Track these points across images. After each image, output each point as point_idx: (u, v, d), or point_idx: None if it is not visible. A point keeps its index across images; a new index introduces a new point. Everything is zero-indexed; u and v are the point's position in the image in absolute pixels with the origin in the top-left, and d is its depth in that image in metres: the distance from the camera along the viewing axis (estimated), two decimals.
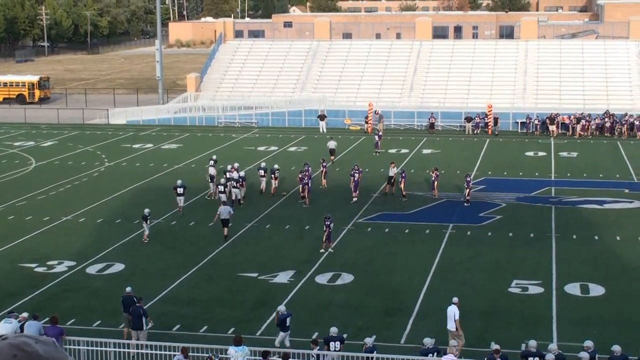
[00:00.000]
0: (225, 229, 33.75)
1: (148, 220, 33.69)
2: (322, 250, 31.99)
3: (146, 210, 33.87)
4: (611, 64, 70.80)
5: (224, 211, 33.78)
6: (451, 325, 22.90)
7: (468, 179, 40.07)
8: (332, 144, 51.71)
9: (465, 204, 39.34)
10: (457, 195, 41.79)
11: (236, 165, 42.71)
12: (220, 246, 33.27)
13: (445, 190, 42.62)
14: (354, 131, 63.06)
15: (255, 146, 57.13)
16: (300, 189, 40.20)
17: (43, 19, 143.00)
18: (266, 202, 40.52)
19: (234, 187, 39.56)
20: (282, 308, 23.28)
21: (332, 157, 50.74)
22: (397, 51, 75.63)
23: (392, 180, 41.53)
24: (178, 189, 38.51)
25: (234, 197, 39.26)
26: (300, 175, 40.55)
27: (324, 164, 44.30)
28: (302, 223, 36.68)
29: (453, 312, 22.88)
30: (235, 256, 32.26)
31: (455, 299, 23.45)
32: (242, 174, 41.05)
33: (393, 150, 54.65)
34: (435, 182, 41.08)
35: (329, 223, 32.20)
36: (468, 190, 39.67)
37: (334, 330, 21.49)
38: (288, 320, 22.97)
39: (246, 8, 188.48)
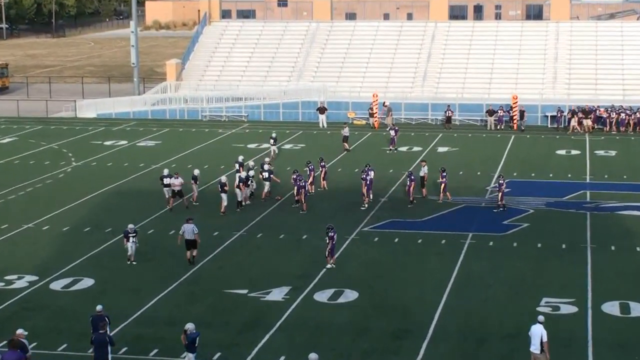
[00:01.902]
0: (194, 251, 32.32)
1: (130, 237, 32.39)
2: (329, 266, 31.86)
3: (130, 226, 32.88)
4: None
5: (188, 230, 32.28)
6: (536, 347, 22.81)
7: (501, 181, 40.10)
8: (346, 131, 54.56)
9: (502, 209, 39.56)
10: (476, 200, 41.80)
11: (265, 162, 43.77)
12: (205, 258, 33.23)
13: (464, 195, 42.61)
14: (358, 126, 63.03)
15: (245, 143, 57.10)
16: (295, 192, 40.21)
17: None
18: (257, 207, 40.50)
19: (236, 186, 39.81)
20: (190, 326, 23.05)
21: (346, 144, 53.88)
22: (409, 34, 75.65)
23: (424, 181, 42.11)
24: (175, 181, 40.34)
25: (239, 198, 39.91)
26: (294, 176, 40.52)
27: (323, 163, 44.41)
28: (298, 232, 36.65)
29: (540, 332, 22.82)
30: (222, 270, 32.23)
31: (541, 318, 23.31)
32: (251, 173, 41.71)
33: (404, 148, 54.66)
34: (442, 185, 41.13)
35: (332, 234, 32.09)
36: (500, 194, 39.73)
37: (313, 357, 21.31)
38: (197, 340, 22.94)
39: None
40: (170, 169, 42.79)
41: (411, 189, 40.98)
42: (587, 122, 60.29)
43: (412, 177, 41.18)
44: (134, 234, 32.65)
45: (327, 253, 32.12)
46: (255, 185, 41.93)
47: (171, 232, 36.57)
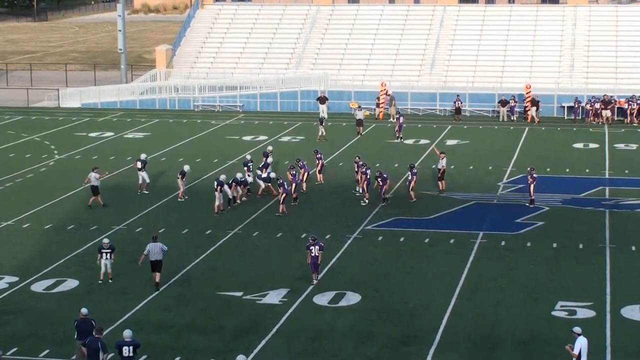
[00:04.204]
0: (157, 274, 30.13)
1: (103, 254, 30.65)
2: (315, 282, 30.94)
3: (105, 241, 31.47)
4: None
5: (154, 250, 30.12)
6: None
7: (534, 175, 40.03)
8: (360, 114, 57.04)
9: (531, 205, 39.85)
10: (488, 197, 41.84)
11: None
12: (197, 258, 33.28)
13: (474, 191, 42.66)
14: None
15: (240, 135, 57.13)
16: (293, 188, 40.25)
17: None
18: (253, 204, 40.53)
19: (228, 184, 39.75)
20: (127, 333, 22.79)
21: (360, 129, 56.47)
22: (415, 18, 75.60)
23: (442, 175, 42.45)
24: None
25: (229, 196, 39.88)
26: (292, 172, 40.67)
27: (319, 155, 44.44)
28: (297, 230, 36.69)
29: (586, 344, 22.68)
30: (215, 271, 32.27)
31: (578, 329, 22.97)
32: (249, 179, 41.95)
33: (410, 141, 54.70)
34: (410, 183, 40.79)
35: (322, 244, 30.95)
36: (532, 187, 39.86)
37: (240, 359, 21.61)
38: (127, 350, 22.51)
39: None
40: (159, 164, 42.91)
41: (413, 184, 40.83)
42: (607, 113, 60.36)
43: (416, 173, 41.01)
44: (109, 250, 30.78)
45: (310, 267, 30.80)
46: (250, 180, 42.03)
47: (161, 230, 36.62)
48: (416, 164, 44.19)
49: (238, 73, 71.22)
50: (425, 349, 25.66)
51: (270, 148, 45.63)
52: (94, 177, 40.14)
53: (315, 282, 30.61)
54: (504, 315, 27.95)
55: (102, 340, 23.04)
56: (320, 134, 55.03)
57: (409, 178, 40.96)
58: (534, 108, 61.18)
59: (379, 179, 40.31)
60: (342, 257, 33.49)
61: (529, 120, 61.02)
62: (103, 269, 30.87)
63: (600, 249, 34.31)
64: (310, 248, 30.55)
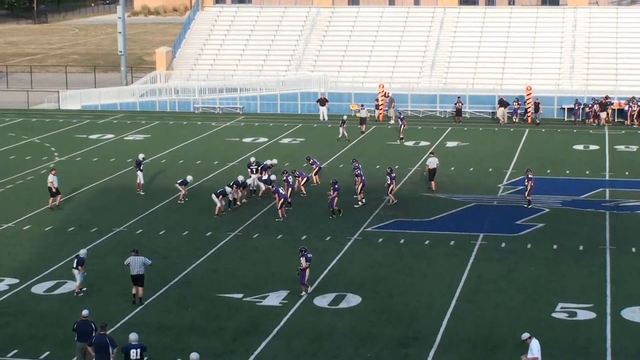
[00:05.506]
0: (140, 288, 29.09)
1: (81, 267, 29.71)
2: (303, 294, 30.23)
3: (82, 251, 30.44)
4: None
5: (135, 263, 29.03)
6: None
7: (530, 175, 40.06)
8: (363, 113, 58.78)
9: (529, 206, 39.88)
10: (488, 199, 41.87)
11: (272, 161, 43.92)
12: (197, 260, 33.30)
13: (474, 192, 42.69)
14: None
15: (240, 137, 57.16)
16: (289, 194, 40.19)
17: None
18: (253, 206, 40.56)
19: (229, 186, 39.77)
20: (133, 336, 22.84)
21: (363, 127, 58.00)
22: (416, 20, 75.63)
23: (434, 174, 42.65)
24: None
25: (231, 198, 39.92)
26: (284, 177, 40.28)
27: (312, 162, 44.44)
28: (297, 232, 36.71)
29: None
30: (215, 273, 32.29)
31: (527, 335, 23.31)
32: (249, 181, 41.90)
33: (410, 143, 54.73)
34: (390, 186, 40.52)
35: (310, 256, 30.17)
36: (529, 188, 39.88)
37: (194, 357, 21.80)
38: (135, 352, 22.59)
39: None
40: (159, 166, 42.90)
41: (393, 186, 40.74)
42: (603, 115, 60.40)
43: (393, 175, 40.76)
44: (78, 264, 29.70)
45: (304, 279, 30.04)
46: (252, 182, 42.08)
47: (161, 232, 36.68)
48: (417, 165, 44.21)
49: (238, 75, 71.26)
50: (425, 350, 25.67)
51: (275, 161, 44.44)
52: (51, 179, 40.00)
53: (302, 293, 29.81)
54: (504, 317, 27.97)
55: (109, 335, 23.19)
56: (341, 135, 55.16)
57: (388, 182, 40.72)
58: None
59: (331, 189, 39.12)
60: (342, 259, 33.51)
61: (530, 121, 61.08)
62: (79, 280, 29.93)
63: (600, 251, 34.31)
64: (301, 259, 30.03)
